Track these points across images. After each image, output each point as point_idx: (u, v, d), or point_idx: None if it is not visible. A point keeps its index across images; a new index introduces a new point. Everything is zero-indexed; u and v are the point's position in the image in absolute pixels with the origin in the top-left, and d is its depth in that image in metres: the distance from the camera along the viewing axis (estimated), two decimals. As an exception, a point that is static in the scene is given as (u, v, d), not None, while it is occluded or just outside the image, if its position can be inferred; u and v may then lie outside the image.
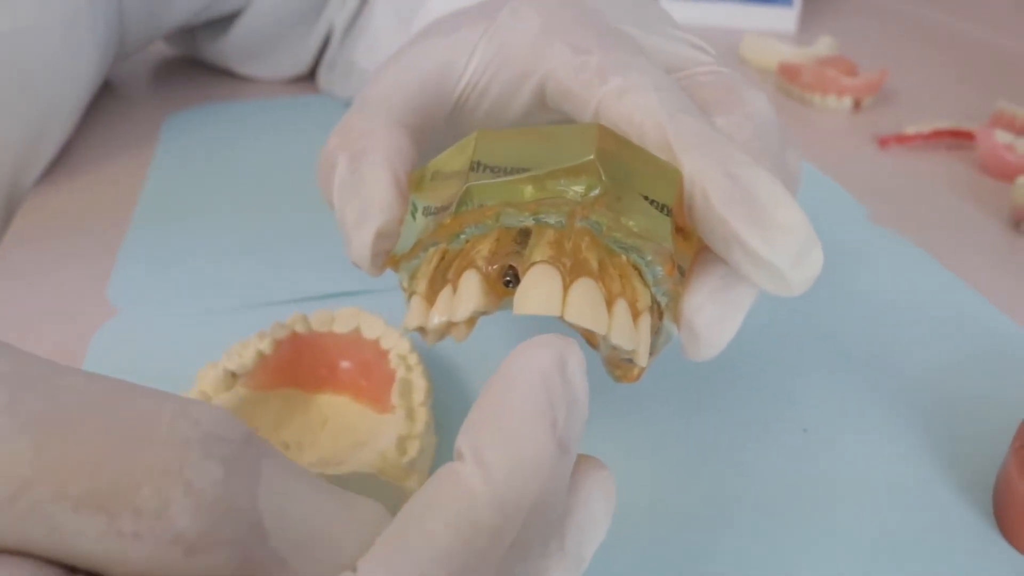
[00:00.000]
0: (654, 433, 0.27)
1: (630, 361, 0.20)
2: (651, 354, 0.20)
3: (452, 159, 0.20)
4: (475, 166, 0.19)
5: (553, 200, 0.18)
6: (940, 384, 0.30)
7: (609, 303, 0.19)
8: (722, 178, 0.19)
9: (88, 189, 0.43)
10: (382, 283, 0.33)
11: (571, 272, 0.18)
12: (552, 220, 0.18)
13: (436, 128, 0.25)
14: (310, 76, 0.59)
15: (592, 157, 0.18)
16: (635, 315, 0.19)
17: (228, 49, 0.57)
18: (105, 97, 0.55)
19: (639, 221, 0.18)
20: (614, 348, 0.20)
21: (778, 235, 0.18)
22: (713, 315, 0.19)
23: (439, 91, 0.25)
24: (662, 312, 0.20)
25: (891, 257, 0.38)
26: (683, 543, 0.23)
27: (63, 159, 0.46)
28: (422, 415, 0.24)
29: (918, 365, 0.31)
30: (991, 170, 0.47)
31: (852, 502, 0.25)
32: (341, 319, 0.27)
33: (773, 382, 0.29)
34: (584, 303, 0.18)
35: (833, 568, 0.23)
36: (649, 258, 0.19)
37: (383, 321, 0.27)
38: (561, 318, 0.18)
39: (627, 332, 0.19)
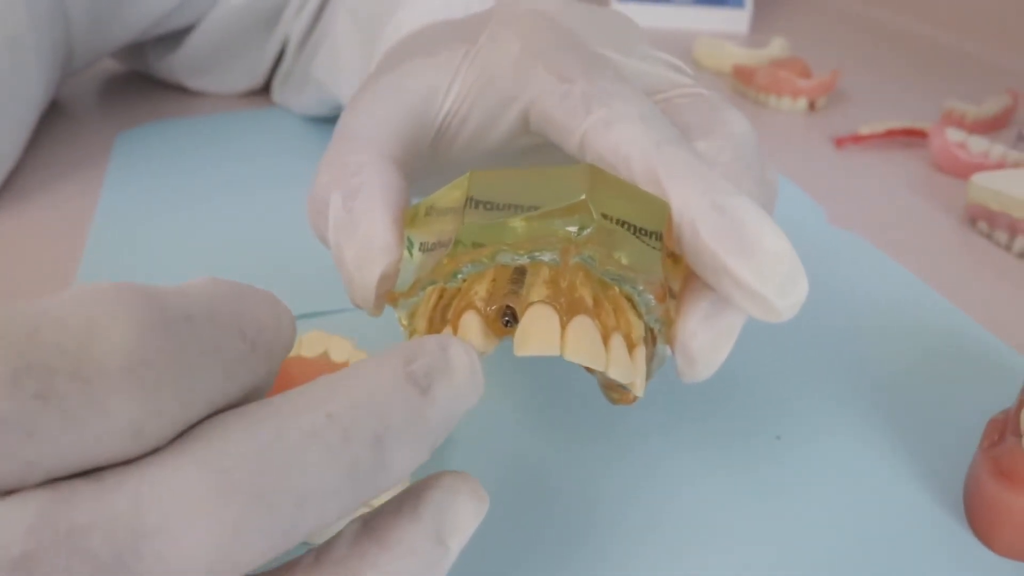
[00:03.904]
0: (625, 442, 0.27)
1: (628, 386, 0.21)
2: (647, 378, 0.21)
3: (446, 195, 0.20)
4: (470, 202, 0.19)
5: (547, 239, 0.18)
6: (906, 385, 0.30)
7: (605, 338, 0.19)
8: (709, 210, 0.19)
9: (39, 214, 0.42)
10: (346, 302, 0.32)
11: (567, 311, 0.19)
12: (547, 258, 0.19)
13: (420, 156, 0.25)
14: (264, 89, 0.58)
15: (584, 197, 0.18)
16: (631, 347, 0.20)
17: (180, 64, 0.56)
18: (53, 117, 0.54)
19: (630, 255, 0.19)
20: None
21: (766, 265, 0.19)
22: (707, 339, 0.20)
23: (422, 119, 0.24)
24: (655, 337, 0.20)
25: (852, 260, 0.38)
26: (655, 550, 0.23)
27: (11, 184, 0.45)
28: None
29: (884, 367, 0.31)
30: (945, 168, 0.48)
31: (825, 507, 0.25)
32: (308, 343, 0.27)
33: (744, 391, 0.30)
34: (581, 341, 0.18)
35: (804, 572, 0.23)
36: (640, 287, 0.19)
37: (351, 344, 0.27)
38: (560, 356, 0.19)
39: (624, 366, 0.19)
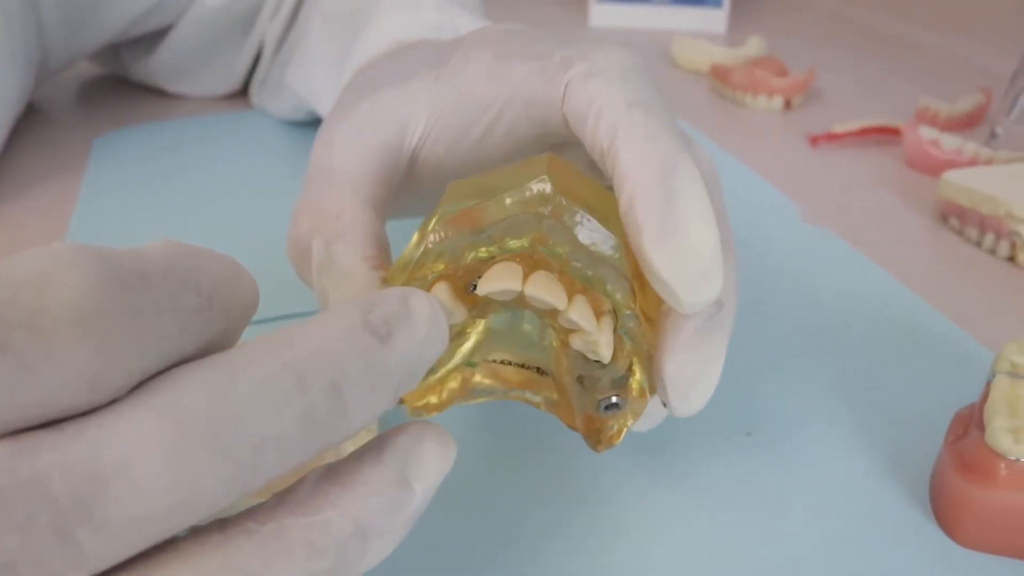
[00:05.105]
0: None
1: (608, 409, 0.21)
2: (632, 420, 0.21)
3: (416, 248, 0.21)
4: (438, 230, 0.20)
5: (515, 219, 0.19)
6: (875, 380, 0.30)
7: (569, 296, 0.20)
8: (654, 184, 0.19)
9: (16, 219, 0.42)
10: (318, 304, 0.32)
11: (531, 269, 0.20)
12: (515, 246, 0.19)
13: (395, 186, 0.25)
14: (243, 92, 0.58)
15: (545, 176, 0.19)
16: (598, 316, 0.20)
17: (156, 67, 0.56)
18: (29, 121, 0.54)
19: (594, 237, 0.19)
20: (585, 389, 0.21)
21: (682, 255, 0.19)
22: (695, 369, 0.20)
23: (396, 153, 0.25)
24: (632, 362, 0.21)
25: (825, 256, 0.39)
26: (629, 548, 0.23)
27: (-13, 188, 0.45)
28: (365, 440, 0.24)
29: (854, 362, 0.31)
30: (917, 165, 0.49)
31: (794, 501, 0.25)
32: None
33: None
34: (542, 283, 0.19)
35: (776, 567, 0.23)
36: (610, 287, 0.19)
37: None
38: (521, 295, 0.19)
39: (586, 313, 0.19)
